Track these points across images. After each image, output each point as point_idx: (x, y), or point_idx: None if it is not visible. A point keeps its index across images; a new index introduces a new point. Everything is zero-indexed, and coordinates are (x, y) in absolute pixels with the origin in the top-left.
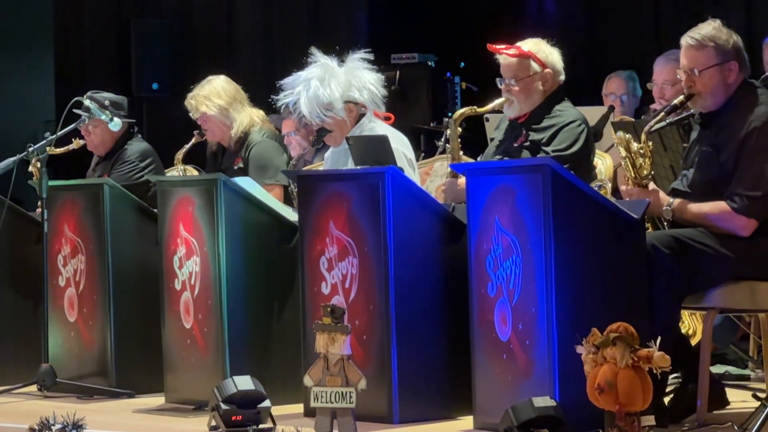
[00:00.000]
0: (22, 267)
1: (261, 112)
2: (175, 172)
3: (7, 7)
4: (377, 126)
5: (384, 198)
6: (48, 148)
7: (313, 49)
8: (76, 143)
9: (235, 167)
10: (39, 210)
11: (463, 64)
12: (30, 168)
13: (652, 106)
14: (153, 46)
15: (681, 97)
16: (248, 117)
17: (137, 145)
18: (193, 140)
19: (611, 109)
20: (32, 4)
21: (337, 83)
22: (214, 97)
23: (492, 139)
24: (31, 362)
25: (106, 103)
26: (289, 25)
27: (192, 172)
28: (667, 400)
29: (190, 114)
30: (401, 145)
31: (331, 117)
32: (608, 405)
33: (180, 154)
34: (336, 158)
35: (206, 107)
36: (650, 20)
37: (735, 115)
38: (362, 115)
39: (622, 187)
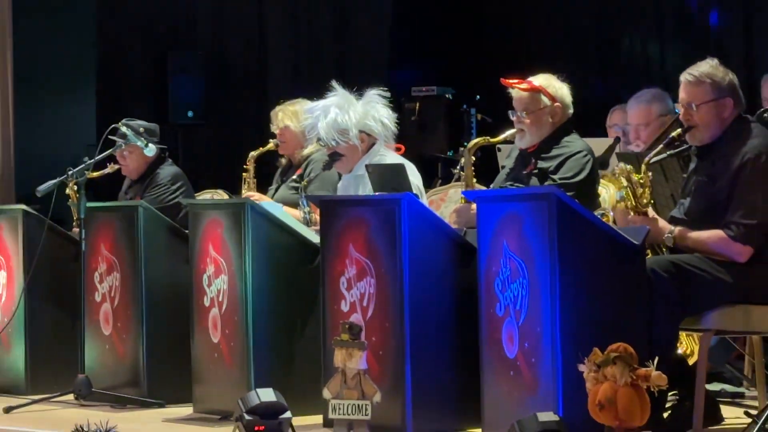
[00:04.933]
0: (61, 283)
1: None
2: (246, 175)
3: (54, 41)
4: (388, 155)
5: (400, 223)
6: (86, 172)
7: (334, 83)
8: (111, 168)
9: (294, 176)
10: (75, 229)
11: (478, 97)
12: (67, 191)
13: (629, 147)
14: (188, 77)
15: (679, 130)
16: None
17: (168, 170)
18: (269, 146)
19: (617, 140)
20: (77, 38)
21: (355, 112)
22: (302, 117)
23: (503, 167)
24: (69, 373)
25: (141, 130)
26: (317, 57)
27: (223, 195)
28: (665, 416)
29: (271, 124)
30: (409, 173)
31: (345, 142)
32: (608, 421)
33: (253, 156)
34: (346, 185)
35: (291, 122)
36: (655, 57)
37: (729, 147)
38: (373, 144)
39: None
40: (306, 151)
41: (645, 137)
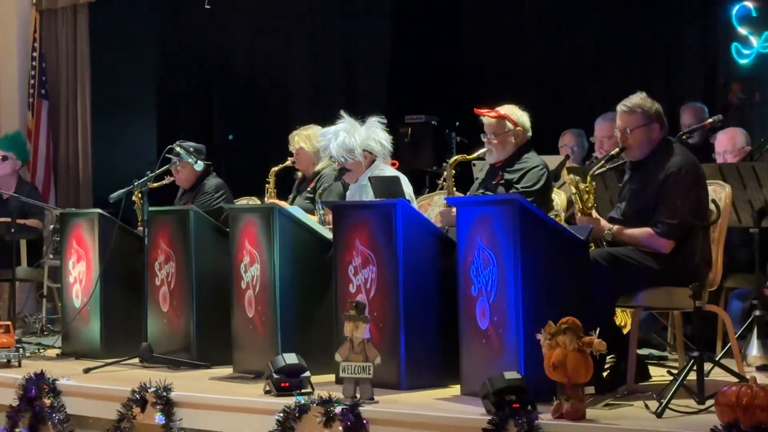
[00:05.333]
0: (129, 270)
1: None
2: (268, 185)
3: (123, 78)
4: (386, 169)
5: (396, 223)
6: (149, 183)
7: (342, 112)
8: (167, 180)
9: (308, 189)
10: (140, 228)
11: (457, 123)
12: (133, 198)
13: (594, 155)
14: (230, 106)
15: (617, 149)
16: (327, 160)
17: (213, 181)
18: (287, 162)
19: (567, 157)
20: (142, 76)
21: (359, 135)
22: (314, 140)
23: (477, 179)
24: (135, 341)
25: (191, 149)
26: (329, 92)
27: (256, 201)
28: (604, 374)
29: (289, 145)
30: (403, 183)
31: (352, 159)
32: (560, 378)
33: (274, 171)
34: (353, 193)
35: (305, 144)
36: (595, 91)
37: (656, 163)
38: (374, 161)
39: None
40: (317, 168)
41: (607, 147)
